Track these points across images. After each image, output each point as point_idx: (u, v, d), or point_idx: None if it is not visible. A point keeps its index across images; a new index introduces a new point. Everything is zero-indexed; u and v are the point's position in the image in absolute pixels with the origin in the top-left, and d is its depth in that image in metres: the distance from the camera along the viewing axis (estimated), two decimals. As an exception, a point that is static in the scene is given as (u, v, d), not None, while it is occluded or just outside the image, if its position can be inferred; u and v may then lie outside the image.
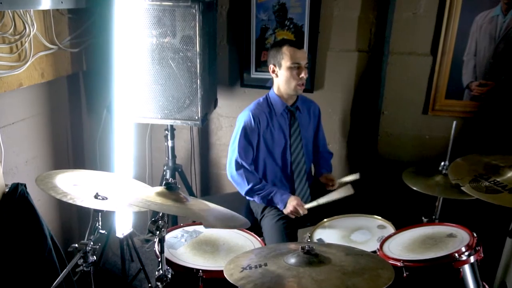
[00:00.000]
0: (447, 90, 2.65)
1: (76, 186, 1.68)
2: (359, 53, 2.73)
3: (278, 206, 2.25)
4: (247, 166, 2.28)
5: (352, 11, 2.66)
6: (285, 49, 2.19)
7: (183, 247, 1.91)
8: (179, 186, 1.43)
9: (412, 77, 2.70)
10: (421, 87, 2.70)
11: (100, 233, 1.88)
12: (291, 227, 2.22)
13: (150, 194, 1.41)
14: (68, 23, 2.33)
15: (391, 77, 2.71)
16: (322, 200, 2.19)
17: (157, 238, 1.43)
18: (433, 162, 2.37)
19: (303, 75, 2.21)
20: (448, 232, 1.86)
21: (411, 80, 2.70)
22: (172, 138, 2.77)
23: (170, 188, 1.40)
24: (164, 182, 1.42)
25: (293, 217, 2.20)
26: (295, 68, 2.20)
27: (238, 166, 2.29)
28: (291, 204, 2.19)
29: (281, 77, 2.25)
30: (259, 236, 2.34)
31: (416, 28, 2.61)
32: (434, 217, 2.32)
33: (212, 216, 1.40)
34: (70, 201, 1.60)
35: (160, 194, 1.42)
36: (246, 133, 2.27)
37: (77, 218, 2.71)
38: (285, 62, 2.19)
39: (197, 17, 2.29)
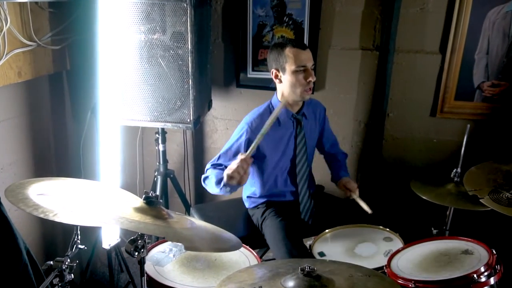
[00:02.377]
0: (456, 90, 2.51)
1: (43, 196, 1.50)
2: (363, 51, 2.59)
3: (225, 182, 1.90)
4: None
5: (356, 6, 2.52)
6: (288, 51, 1.97)
7: (170, 264, 1.74)
8: (161, 200, 1.25)
9: (420, 77, 2.56)
10: (429, 87, 2.56)
11: (79, 248, 1.72)
12: (293, 225, 2.07)
13: (127, 210, 1.24)
14: (49, 18, 2.16)
15: (397, 77, 2.58)
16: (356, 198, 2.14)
17: (136, 260, 1.26)
18: (442, 168, 2.24)
19: (311, 79, 1.98)
20: (463, 248, 1.69)
21: (419, 80, 2.57)
22: (163, 142, 2.62)
23: (150, 203, 1.23)
24: (143, 196, 1.24)
25: (236, 176, 1.82)
26: (301, 72, 1.98)
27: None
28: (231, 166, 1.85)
29: (286, 83, 2.03)
30: (257, 248, 2.21)
31: (424, 25, 2.47)
32: (444, 228, 2.17)
33: (196, 236, 1.22)
34: (41, 215, 1.42)
35: (138, 209, 1.24)
36: (237, 152, 2.04)
37: (61, 230, 2.54)
38: (289, 66, 1.97)
39: (188, 12, 2.14)
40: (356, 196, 2.17)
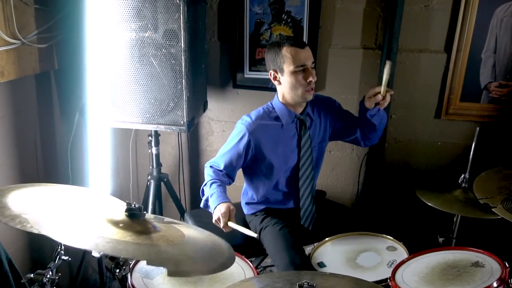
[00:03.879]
0: (462, 91, 2.43)
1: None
2: (365, 50, 2.50)
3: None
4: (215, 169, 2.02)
5: (357, 3, 2.43)
6: (285, 51, 1.86)
7: (160, 276, 1.63)
8: (145, 212, 1.15)
9: (424, 77, 2.48)
10: (434, 88, 2.48)
11: (63, 260, 1.62)
12: (295, 234, 1.97)
13: (106, 226, 1.12)
14: (35, 15, 2.06)
15: (400, 77, 2.49)
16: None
17: (117, 279, 1.15)
18: (447, 172, 2.14)
19: (311, 79, 1.86)
20: (473, 260, 1.58)
21: (423, 81, 2.48)
22: (157, 144, 2.53)
23: (133, 215, 1.11)
24: (125, 208, 1.13)
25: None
26: (300, 72, 1.86)
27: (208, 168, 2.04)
28: (216, 213, 1.82)
29: (285, 84, 1.92)
30: (253, 257, 2.11)
31: (428, 22, 2.38)
32: (451, 236, 2.07)
33: (184, 255, 1.11)
34: (18, 226, 1.32)
35: (120, 223, 1.13)
36: (235, 157, 1.99)
37: (48, 238, 2.42)
38: (288, 67, 1.86)
39: (181, 8, 2.04)
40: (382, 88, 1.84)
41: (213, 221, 1.83)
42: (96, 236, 1.05)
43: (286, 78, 1.90)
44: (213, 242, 1.34)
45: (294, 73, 1.87)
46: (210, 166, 2.02)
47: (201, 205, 1.95)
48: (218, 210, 1.80)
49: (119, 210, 1.23)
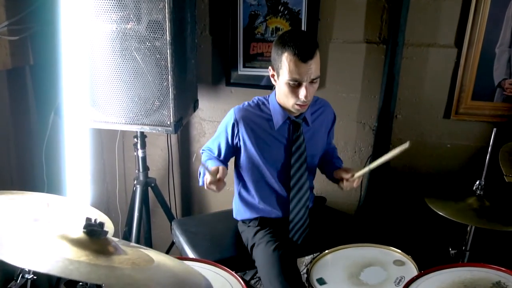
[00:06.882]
0: (474, 89, 2.31)
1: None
2: (368, 45, 2.37)
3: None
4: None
5: (360, -6, 2.30)
6: (286, 57, 1.70)
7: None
8: (107, 230, 0.96)
9: (432, 73, 2.35)
10: (443, 85, 2.35)
11: (27, 278, 1.43)
12: (290, 257, 1.80)
13: (62, 242, 0.93)
14: (5, 4, 1.90)
15: (407, 74, 2.36)
16: (374, 164, 1.82)
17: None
18: (457, 177, 1.99)
19: (302, 96, 1.71)
20: (494, 280, 1.40)
21: (431, 77, 2.36)
22: (143, 147, 2.38)
23: (91, 232, 0.92)
24: (85, 223, 0.94)
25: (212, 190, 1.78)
26: (293, 85, 1.72)
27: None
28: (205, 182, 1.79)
29: (279, 88, 1.80)
30: (245, 270, 1.95)
31: (437, 14, 2.25)
32: (464, 248, 1.91)
33: (152, 281, 0.92)
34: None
35: (79, 242, 0.94)
36: (226, 135, 1.91)
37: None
38: (283, 74, 1.72)
39: (166, -3, 1.89)
40: (359, 172, 1.88)
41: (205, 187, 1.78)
42: (43, 254, 0.86)
43: (280, 83, 1.77)
44: (187, 273, 1.13)
45: (287, 83, 1.73)
46: (203, 150, 2.03)
47: (199, 183, 1.90)
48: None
49: (78, 225, 1.04)
